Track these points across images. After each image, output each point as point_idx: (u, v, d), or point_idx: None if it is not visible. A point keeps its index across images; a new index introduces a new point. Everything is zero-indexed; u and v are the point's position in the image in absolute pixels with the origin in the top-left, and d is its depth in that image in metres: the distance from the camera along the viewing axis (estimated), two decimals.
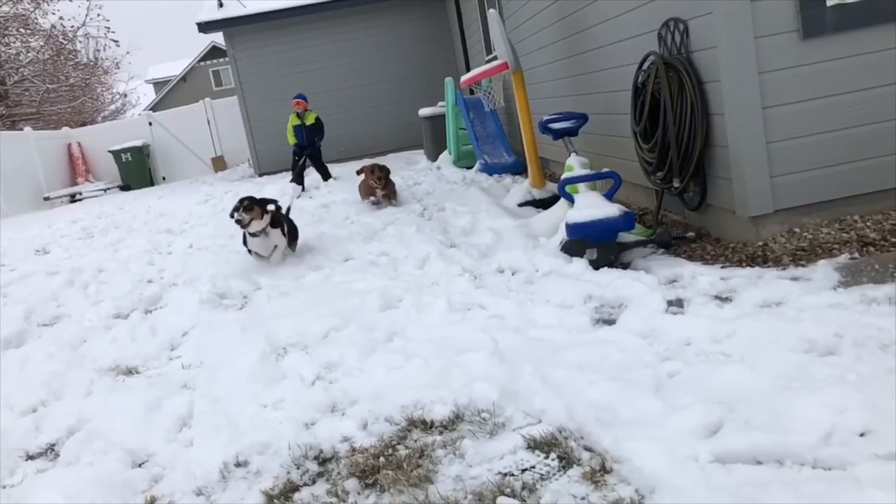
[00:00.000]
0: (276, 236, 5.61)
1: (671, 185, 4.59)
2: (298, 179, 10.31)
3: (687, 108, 4.27)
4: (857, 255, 3.59)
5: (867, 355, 2.52)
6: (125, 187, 17.77)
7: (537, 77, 7.90)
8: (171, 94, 39.39)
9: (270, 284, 5.06)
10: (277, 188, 9.99)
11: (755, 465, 2.08)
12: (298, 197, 9.57)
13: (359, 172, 7.97)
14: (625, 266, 4.30)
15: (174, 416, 3.15)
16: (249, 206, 5.44)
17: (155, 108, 33.37)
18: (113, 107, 33.30)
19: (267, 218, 5.50)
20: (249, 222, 5.41)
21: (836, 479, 1.93)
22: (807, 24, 3.88)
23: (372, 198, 7.75)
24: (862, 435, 2.07)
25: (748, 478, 2.02)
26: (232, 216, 5.49)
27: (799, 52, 3.93)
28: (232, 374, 3.49)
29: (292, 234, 5.98)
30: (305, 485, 2.46)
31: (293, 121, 10.46)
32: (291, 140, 10.54)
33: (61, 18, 24.57)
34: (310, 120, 10.36)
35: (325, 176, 10.84)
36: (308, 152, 10.42)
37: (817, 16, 3.87)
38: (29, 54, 23.90)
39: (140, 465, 2.83)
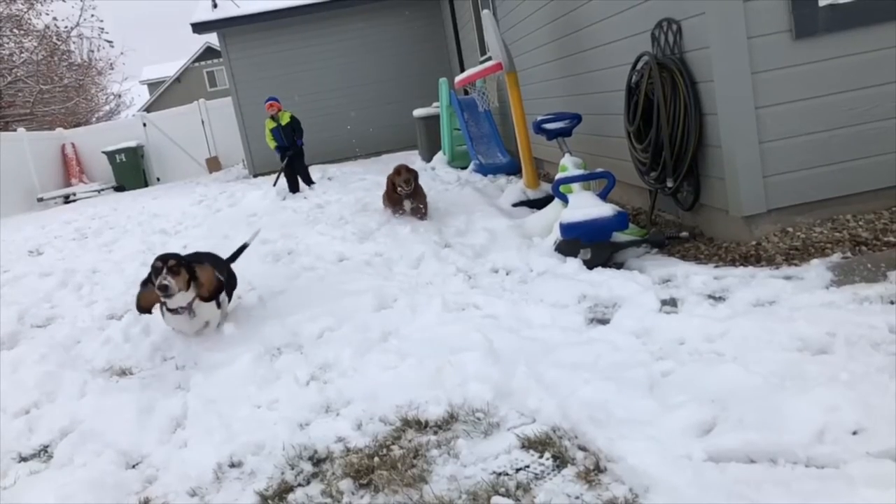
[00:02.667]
0: (209, 311, 4.07)
1: (665, 185, 4.60)
2: (292, 183, 10.22)
3: (680, 108, 4.28)
4: (849, 254, 3.60)
5: (859, 354, 2.53)
6: (119, 188, 17.73)
7: (531, 77, 7.91)
8: (165, 94, 39.27)
9: (264, 285, 5.05)
10: (260, 193, 9.95)
11: (748, 463, 2.09)
12: (284, 199, 9.48)
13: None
14: (619, 266, 4.31)
15: (168, 417, 3.15)
16: (176, 268, 3.86)
17: (149, 108, 33.31)
18: (107, 107, 33.23)
19: (194, 294, 3.97)
20: (178, 291, 3.84)
21: (828, 477, 1.94)
22: (799, 24, 3.90)
23: (398, 208, 6.68)
24: (854, 433, 2.07)
25: (741, 476, 2.02)
26: (149, 282, 3.92)
27: (791, 52, 3.94)
28: (226, 374, 3.49)
29: (229, 286, 4.45)
30: (300, 485, 2.45)
31: (269, 125, 10.19)
32: (271, 144, 10.28)
33: (55, 19, 24.54)
34: (285, 120, 10.12)
35: (308, 181, 10.42)
36: (290, 153, 10.15)
37: (809, 16, 3.89)
38: (22, 55, 23.82)
39: (133, 467, 2.82)
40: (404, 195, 6.53)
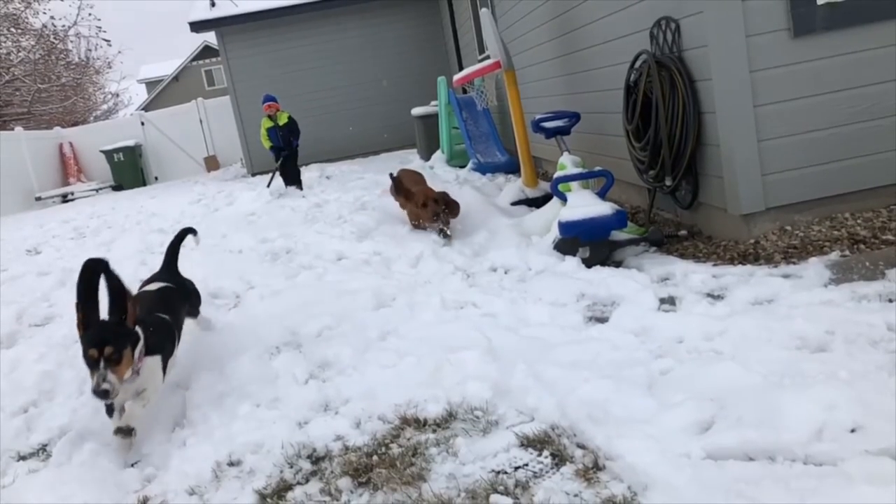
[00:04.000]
0: (150, 372, 2.96)
1: (663, 184, 4.60)
2: (286, 178, 10.18)
3: (678, 106, 4.28)
4: (847, 252, 3.61)
5: (858, 352, 2.54)
6: (117, 187, 17.73)
7: (530, 76, 7.91)
8: (163, 93, 39.25)
9: (263, 284, 5.05)
10: (254, 194, 9.92)
11: (747, 461, 2.09)
12: (279, 197, 9.35)
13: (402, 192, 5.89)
14: (617, 264, 4.31)
15: (167, 415, 3.14)
16: (116, 356, 2.69)
17: (147, 107, 33.29)
18: (105, 107, 33.21)
19: (139, 351, 2.87)
20: (121, 382, 2.75)
21: (827, 474, 1.94)
22: (797, 22, 3.90)
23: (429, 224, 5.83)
24: (853, 431, 2.08)
25: (740, 474, 2.02)
26: (96, 389, 2.65)
27: (790, 50, 3.95)
28: (225, 373, 3.48)
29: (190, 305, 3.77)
30: (299, 483, 2.45)
31: (266, 123, 10.15)
32: (266, 144, 10.23)
33: (52, 18, 24.52)
34: (282, 120, 10.09)
35: (298, 185, 10.21)
36: (285, 153, 10.09)
37: (807, 14, 3.89)
38: (20, 54, 23.81)
39: (132, 465, 2.82)
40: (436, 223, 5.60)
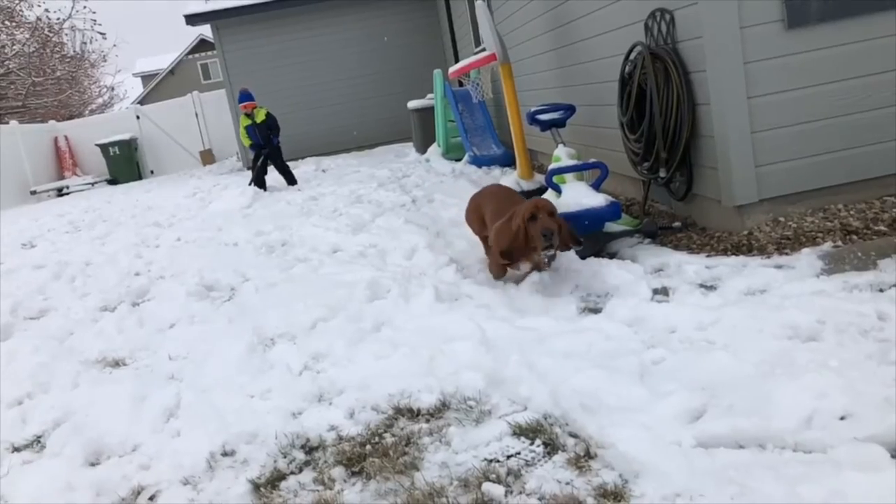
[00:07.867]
0: None
1: (658, 176, 4.61)
2: (259, 181, 10.01)
3: (673, 98, 4.29)
4: (840, 243, 3.62)
5: (848, 341, 2.56)
6: (113, 181, 17.68)
7: (525, 68, 7.90)
8: (158, 87, 39.11)
9: (258, 276, 5.05)
10: (237, 192, 9.85)
11: (737, 449, 2.10)
12: (250, 207, 9.20)
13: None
14: (611, 255, 4.32)
15: (161, 407, 3.14)
16: None
17: (143, 101, 33.16)
18: (100, 100, 33.07)
19: None
20: None
21: (816, 461, 1.96)
22: (791, 14, 3.90)
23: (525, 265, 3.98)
24: (842, 418, 2.10)
25: (730, 461, 2.04)
26: None
27: (784, 42, 3.95)
28: (219, 365, 3.49)
29: None
30: (292, 473, 2.46)
31: (244, 121, 10.03)
32: (246, 142, 10.15)
33: (47, 10, 24.38)
34: (260, 117, 9.95)
35: (290, 180, 10.14)
36: (266, 151, 9.98)
37: (802, 6, 3.89)
38: (14, 47, 23.67)
39: (126, 456, 2.82)
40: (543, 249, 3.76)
